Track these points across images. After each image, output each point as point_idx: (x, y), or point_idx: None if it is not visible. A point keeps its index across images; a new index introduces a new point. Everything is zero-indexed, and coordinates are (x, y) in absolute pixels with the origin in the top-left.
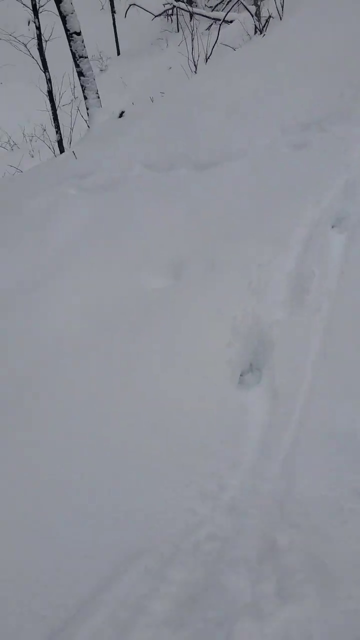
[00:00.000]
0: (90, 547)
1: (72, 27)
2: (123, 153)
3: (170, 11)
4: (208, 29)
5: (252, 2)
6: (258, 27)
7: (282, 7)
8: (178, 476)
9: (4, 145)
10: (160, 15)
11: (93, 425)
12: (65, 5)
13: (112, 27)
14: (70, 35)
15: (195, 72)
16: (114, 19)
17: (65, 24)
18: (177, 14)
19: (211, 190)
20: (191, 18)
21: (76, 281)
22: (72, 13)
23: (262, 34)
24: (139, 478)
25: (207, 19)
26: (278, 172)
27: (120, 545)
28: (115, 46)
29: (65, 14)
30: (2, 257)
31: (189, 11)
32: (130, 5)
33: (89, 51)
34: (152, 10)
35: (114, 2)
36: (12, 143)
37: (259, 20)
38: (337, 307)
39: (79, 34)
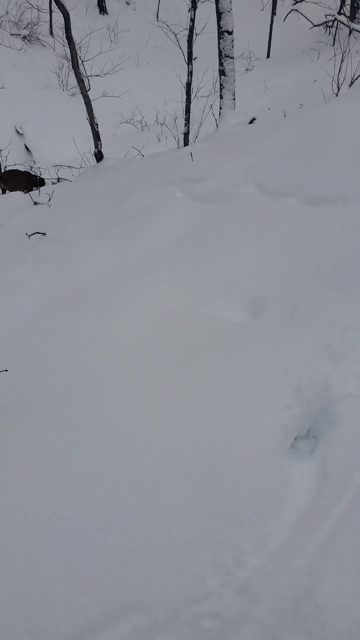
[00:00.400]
0: (87, 584)
1: (225, 25)
2: (240, 167)
3: (330, 23)
4: None
5: None
6: None
7: None
8: (196, 537)
9: (135, 124)
10: (319, 25)
11: (123, 451)
12: (223, 3)
13: (269, 28)
14: (222, 33)
15: (337, 94)
16: (272, 21)
17: (220, 21)
18: (336, 27)
19: (316, 229)
20: (350, 34)
21: (154, 291)
22: (228, 11)
23: None
24: (155, 527)
25: None
26: None
27: (117, 591)
28: (267, 48)
29: (221, 11)
30: (98, 246)
31: (349, 27)
32: (291, 10)
33: (240, 49)
34: (313, 19)
35: (277, 4)
36: (144, 123)
37: None
38: None
39: (230, 33)
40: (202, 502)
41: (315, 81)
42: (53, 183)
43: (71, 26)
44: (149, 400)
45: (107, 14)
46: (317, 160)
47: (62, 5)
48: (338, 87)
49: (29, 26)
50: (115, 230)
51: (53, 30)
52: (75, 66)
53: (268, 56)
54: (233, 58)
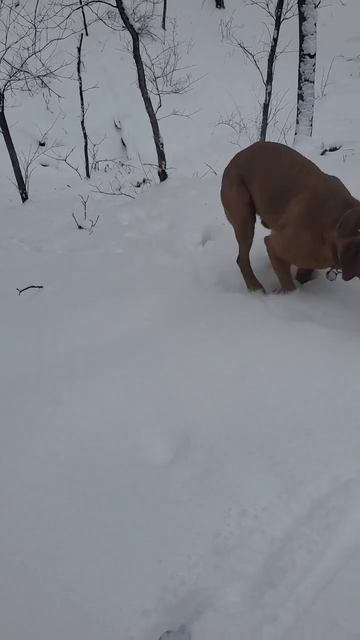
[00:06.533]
0: None
1: (308, 48)
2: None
3: None
4: None
5: None
6: None
7: None
8: None
9: (234, 125)
10: None
11: None
12: (307, 25)
13: None
14: (303, 56)
15: None
16: None
17: (302, 43)
18: None
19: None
20: None
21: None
22: (312, 34)
23: None
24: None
25: None
26: None
27: None
28: None
29: (305, 33)
30: (80, 317)
31: None
32: None
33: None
34: None
35: None
36: (242, 125)
37: None
38: None
39: (312, 56)
40: None
41: None
42: (138, 185)
43: (139, 45)
44: None
45: (224, 8)
46: None
47: (131, 26)
48: None
49: (142, 19)
50: (103, 301)
51: (166, 24)
52: (142, 86)
53: None
54: (313, 82)
